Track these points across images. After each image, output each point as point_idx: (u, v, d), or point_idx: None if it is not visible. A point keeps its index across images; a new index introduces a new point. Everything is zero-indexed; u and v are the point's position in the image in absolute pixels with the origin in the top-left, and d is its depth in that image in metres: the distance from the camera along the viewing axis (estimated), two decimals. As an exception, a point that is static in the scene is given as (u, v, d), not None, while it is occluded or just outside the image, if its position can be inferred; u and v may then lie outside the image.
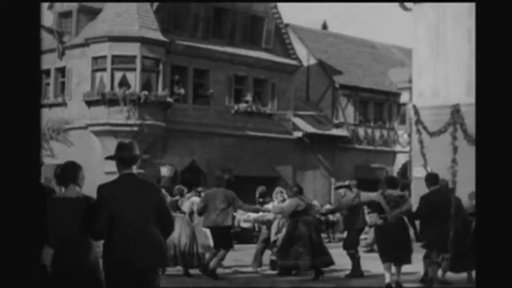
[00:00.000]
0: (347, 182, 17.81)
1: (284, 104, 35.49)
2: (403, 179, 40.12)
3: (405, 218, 13.11)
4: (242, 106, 33.67)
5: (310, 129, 35.73)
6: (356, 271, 15.65)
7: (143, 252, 6.61)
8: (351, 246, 15.96)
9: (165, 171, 30.19)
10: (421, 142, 23.82)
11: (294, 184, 16.22)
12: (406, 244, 12.96)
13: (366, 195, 16.27)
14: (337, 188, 17.00)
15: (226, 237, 15.32)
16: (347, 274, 15.70)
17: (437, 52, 23.41)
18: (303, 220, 15.17)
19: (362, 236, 24.12)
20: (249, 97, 34.04)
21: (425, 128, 23.74)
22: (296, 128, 35.73)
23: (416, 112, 24.11)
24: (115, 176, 24.42)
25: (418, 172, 22.90)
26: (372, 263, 16.13)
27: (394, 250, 12.71)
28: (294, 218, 15.18)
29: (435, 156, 22.66)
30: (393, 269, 12.89)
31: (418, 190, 22.31)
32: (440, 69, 23.42)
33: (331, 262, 15.27)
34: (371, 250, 22.88)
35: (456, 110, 22.75)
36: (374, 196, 13.64)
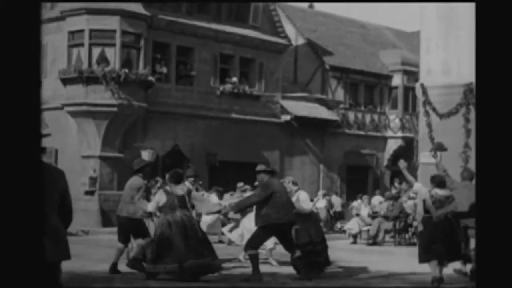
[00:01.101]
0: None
1: (272, 86, 33.54)
2: (394, 166, 38.55)
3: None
4: (228, 87, 31.75)
5: (299, 112, 33.73)
6: (255, 274, 12.81)
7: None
8: (251, 245, 13.16)
9: (145, 155, 28.13)
10: (429, 124, 21.69)
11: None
12: (452, 243, 12.64)
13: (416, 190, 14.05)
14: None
15: None
16: (245, 277, 13.00)
17: (448, 26, 21.30)
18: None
19: (365, 228, 22.47)
20: (235, 78, 32.08)
21: (434, 109, 21.63)
22: (284, 111, 33.75)
23: (424, 91, 21.97)
24: (92, 160, 22.05)
25: (425, 158, 20.82)
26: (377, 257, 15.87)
27: (439, 248, 12.47)
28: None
29: (445, 140, 20.51)
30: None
31: (425, 176, 20.48)
32: (451, 44, 21.30)
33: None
34: (374, 243, 21.64)
35: (469, 90, 20.57)
36: (423, 193, 12.95)
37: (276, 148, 33.66)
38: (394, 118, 38.21)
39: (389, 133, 38.40)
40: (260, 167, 13.18)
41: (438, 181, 12.85)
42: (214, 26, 31.13)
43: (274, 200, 12.66)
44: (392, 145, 38.25)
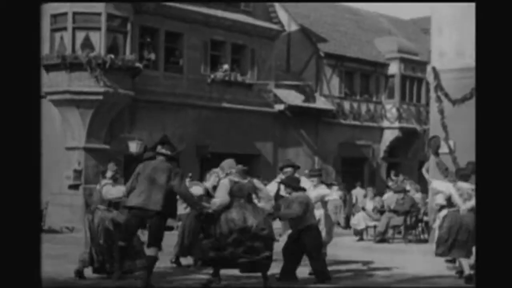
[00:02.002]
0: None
1: (264, 74, 31.95)
2: (391, 158, 37.12)
3: None
4: (219, 74, 30.16)
5: (293, 101, 32.17)
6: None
7: None
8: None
9: (133, 147, 26.72)
10: (441, 111, 20.12)
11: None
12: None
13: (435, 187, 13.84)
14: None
15: None
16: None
17: (463, 4, 19.67)
18: None
19: (372, 223, 20.98)
20: (226, 65, 30.49)
21: (446, 95, 20.06)
22: (277, 100, 32.19)
23: (436, 76, 20.37)
24: (77, 152, 20.17)
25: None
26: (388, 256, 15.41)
27: (464, 243, 12.28)
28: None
29: (458, 127, 19.04)
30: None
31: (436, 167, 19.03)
32: (466, 24, 19.60)
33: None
34: (383, 240, 20.20)
35: (484, 73, 19.09)
36: (445, 188, 12.87)
37: (269, 139, 32.14)
38: (390, 107, 36.71)
39: (385, 123, 36.90)
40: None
41: (461, 175, 12.67)
42: (204, 10, 29.52)
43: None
44: (388, 136, 36.78)
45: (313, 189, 12.78)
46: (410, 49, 37.61)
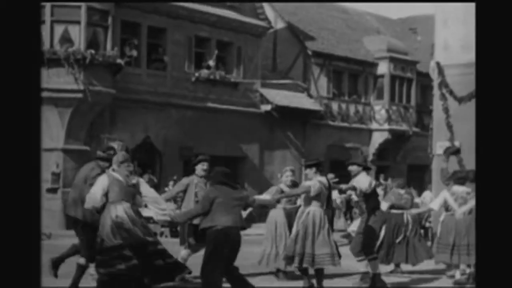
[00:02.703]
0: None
1: (250, 72, 30.55)
2: (380, 161, 35.82)
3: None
4: (204, 72, 28.69)
5: (280, 101, 30.79)
6: None
7: None
8: None
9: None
10: (446, 109, 18.87)
11: None
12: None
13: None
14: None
15: None
16: None
17: (469, -6, 18.36)
18: None
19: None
20: (211, 62, 29.01)
21: (451, 92, 18.79)
22: (264, 100, 30.79)
23: (440, 71, 19.07)
24: (55, 154, 18.69)
25: (442, 148, 17.87)
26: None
27: (464, 247, 12.24)
28: None
29: (464, 127, 17.70)
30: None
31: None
32: (473, 16, 18.32)
33: None
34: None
35: (494, 68, 17.77)
36: (441, 194, 12.84)
37: (255, 141, 30.75)
38: (379, 109, 35.45)
39: (374, 125, 35.62)
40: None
41: (457, 178, 12.67)
42: (188, 5, 28.04)
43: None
44: (377, 138, 35.50)
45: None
46: (400, 48, 36.37)
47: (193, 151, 27.76)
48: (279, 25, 33.60)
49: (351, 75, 35.27)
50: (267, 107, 30.70)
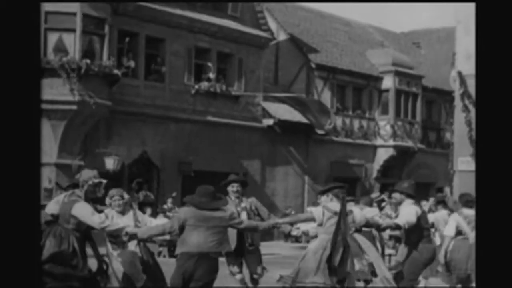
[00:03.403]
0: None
1: (252, 85, 29.40)
2: (384, 178, 34.62)
3: None
4: (204, 85, 27.53)
5: (282, 115, 29.63)
6: None
7: None
8: None
9: (110, 163, 24.02)
10: (469, 122, 17.66)
11: None
12: None
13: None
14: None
15: None
16: None
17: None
18: None
19: (387, 251, 18.29)
20: (211, 75, 27.85)
21: (474, 103, 17.58)
22: (265, 114, 29.63)
23: (463, 81, 17.87)
24: (48, 169, 17.39)
25: (464, 164, 16.71)
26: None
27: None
28: None
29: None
30: None
31: (463, 187, 16.46)
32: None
33: None
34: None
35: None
36: (452, 218, 12.21)
37: (256, 157, 29.55)
38: (384, 124, 34.28)
39: (379, 141, 34.43)
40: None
41: (466, 201, 12.06)
42: (188, 14, 26.95)
43: None
44: (382, 155, 34.32)
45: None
46: (405, 62, 35.26)
47: (192, 166, 26.62)
48: (281, 36, 32.49)
49: (355, 89, 34.15)
50: (269, 122, 29.56)
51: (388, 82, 34.34)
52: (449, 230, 12.05)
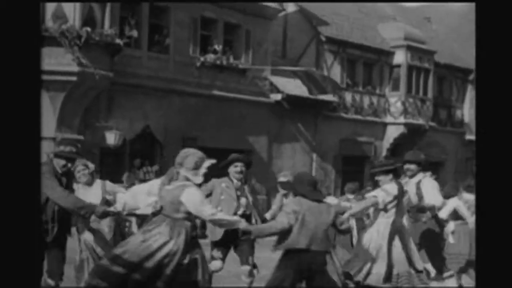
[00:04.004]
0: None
1: (260, 58, 28.11)
2: (393, 157, 33.36)
3: None
4: (210, 57, 26.24)
5: (291, 90, 28.37)
6: None
7: None
8: None
9: (111, 138, 22.91)
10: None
11: None
12: None
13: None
14: None
15: None
16: None
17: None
18: None
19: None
20: (218, 46, 26.59)
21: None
22: (273, 89, 28.37)
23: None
24: (46, 144, 15.51)
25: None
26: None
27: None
28: None
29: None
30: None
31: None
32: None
33: None
34: None
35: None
36: (450, 202, 11.82)
37: (263, 133, 28.32)
38: (395, 101, 33.01)
39: (389, 118, 33.17)
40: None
41: (468, 185, 11.95)
42: (194, -18, 25.64)
43: None
44: (392, 133, 33.05)
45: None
46: (417, 37, 33.94)
47: (196, 142, 25.37)
48: (290, 8, 31.06)
49: (366, 64, 32.84)
50: (277, 97, 28.30)
51: (399, 57, 33.06)
52: (443, 213, 11.67)
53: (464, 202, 11.78)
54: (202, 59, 26.05)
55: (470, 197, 11.51)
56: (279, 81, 28.48)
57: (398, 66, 33.09)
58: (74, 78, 21.45)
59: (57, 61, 21.18)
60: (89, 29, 21.47)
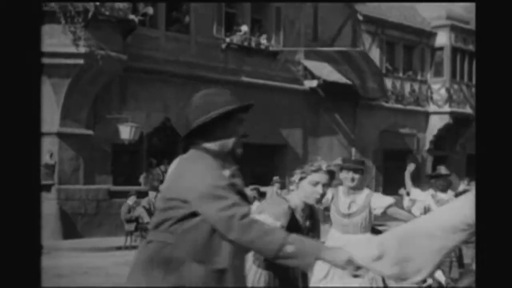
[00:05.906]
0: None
1: (292, 40, 25.16)
2: (437, 151, 30.12)
3: None
4: (236, 38, 23.49)
5: (328, 76, 25.19)
6: None
7: None
8: None
9: (125, 132, 20.18)
10: None
11: None
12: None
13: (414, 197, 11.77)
14: None
15: None
16: None
17: None
18: None
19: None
20: (245, 26, 23.73)
21: None
22: (308, 74, 25.21)
23: None
24: (48, 139, 12.14)
25: None
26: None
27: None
28: None
29: None
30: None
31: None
32: None
33: None
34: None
35: None
36: (424, 198, 11.23)
37: (297, 125, 25.50)
38: (438, 88, 29.80)
39: (432, 107, 29.95)
40: None
41: (441, 185, 11.30)
42: (217, -49, 22.66)
43: None
44: (436, 123, 29.94)
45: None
46: (461, 16, 30.63)
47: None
48: (322, -16, 27.83)
49: (406, 46, 29.78)
50: (312, 83, 25.21)
51: (442, 39, 29.92)
52: (416, 210, 11.19)
53: (436, 202, 11.14)
54: (227, 40, 23.27)
55: (443, 196, 11.12)
56: (314, 65, 25.38)
57: (441, 48, 30.05)
58: (80, 61, 18.73)
59: (59, 41, 18.59)
60: (97, 3, 18.40)
